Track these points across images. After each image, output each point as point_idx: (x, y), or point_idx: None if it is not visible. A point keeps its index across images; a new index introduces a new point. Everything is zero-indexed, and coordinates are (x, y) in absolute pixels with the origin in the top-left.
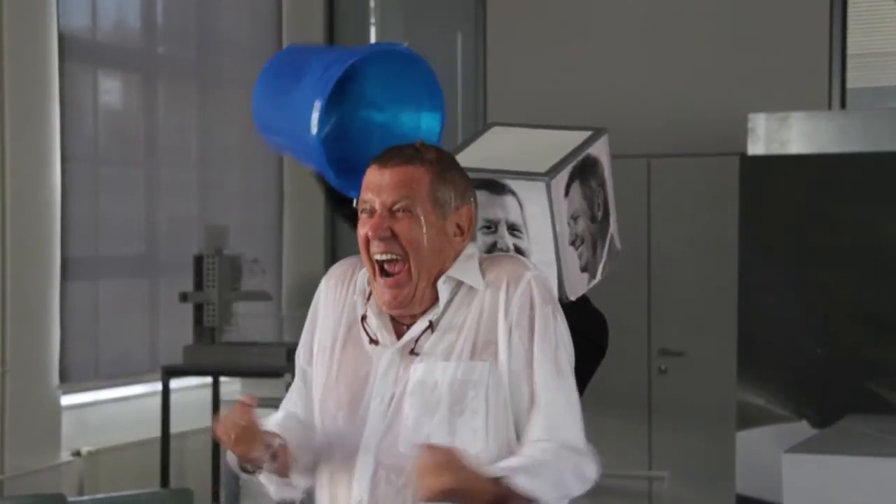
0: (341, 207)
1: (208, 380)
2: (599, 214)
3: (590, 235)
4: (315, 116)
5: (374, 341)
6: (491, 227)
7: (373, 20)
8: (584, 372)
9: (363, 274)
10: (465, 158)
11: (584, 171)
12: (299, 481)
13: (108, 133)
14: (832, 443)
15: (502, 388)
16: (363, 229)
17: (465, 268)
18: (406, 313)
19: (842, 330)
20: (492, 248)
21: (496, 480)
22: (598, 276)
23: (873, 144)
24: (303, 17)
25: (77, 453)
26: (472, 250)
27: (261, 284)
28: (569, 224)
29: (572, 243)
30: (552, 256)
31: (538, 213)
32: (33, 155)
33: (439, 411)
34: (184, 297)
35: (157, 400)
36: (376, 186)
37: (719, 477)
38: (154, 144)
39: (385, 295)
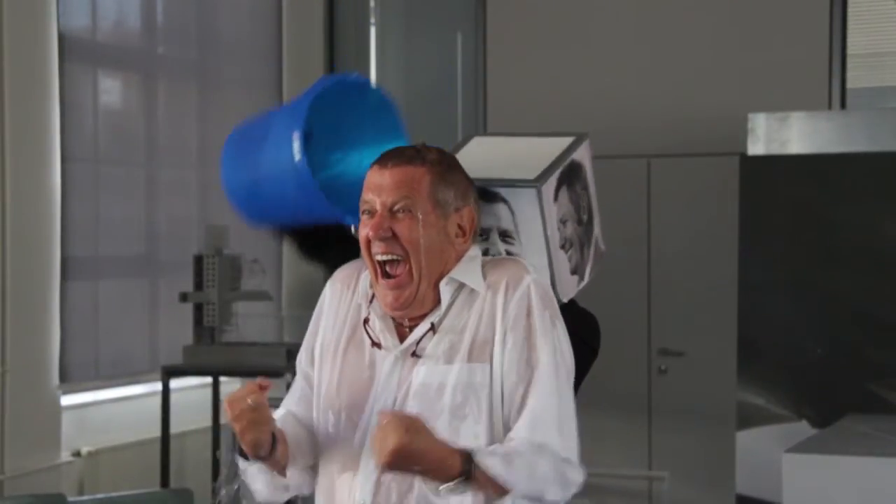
0: (318, 253)
1: (208, 380)
2: (585, 217)
3: (577, 238)
4: (296, 145)
5: (376, 344)
6: (483, 234)
7: (373, 20)
8: (576, 374)
9: (366, 277)
10: None
11: (570, 175)
12: (294, 480)
13: (108, 133)
14: (832, 443)
15: (496, 391)
16: (364, 230)
17: (467, 269)
18: (408, 315)
19: (842, 330)
20: (484, 255)
21: (464, 457)
22: (587, 278)
23: (873, 144)
24: (303, 17)
25: (77, 453)
26: (476, 252)
27: (261, 284)
28: (558, 228)
29: (562, 247)
30: (545, 261)
31: (529, 220)
32: (33, 155)
33: (443, 415)
34: (184, 297)
35: (157, 400)
36: (377, 187)
37: (719, 477)
38: (154, 144)
39: (387, 297)
